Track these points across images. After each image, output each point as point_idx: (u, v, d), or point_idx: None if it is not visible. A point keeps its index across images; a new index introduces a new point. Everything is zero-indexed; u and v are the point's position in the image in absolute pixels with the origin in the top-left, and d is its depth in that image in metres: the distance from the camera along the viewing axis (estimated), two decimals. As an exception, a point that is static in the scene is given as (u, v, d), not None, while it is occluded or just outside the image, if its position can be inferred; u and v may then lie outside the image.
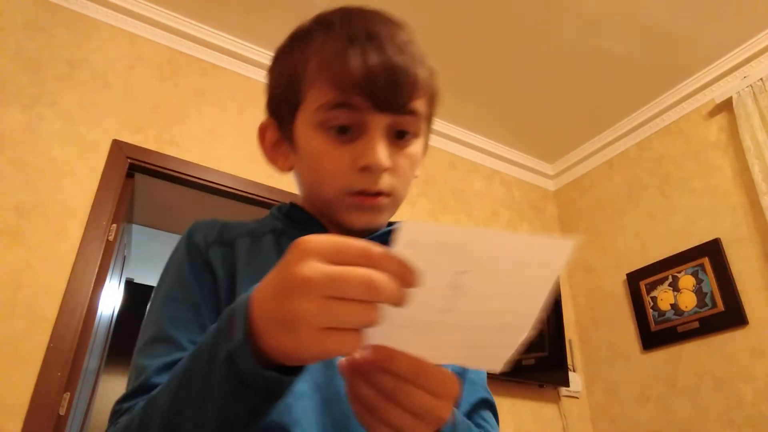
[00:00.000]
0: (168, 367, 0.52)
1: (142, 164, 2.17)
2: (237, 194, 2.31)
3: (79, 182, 2.02)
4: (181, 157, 2.25)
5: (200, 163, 2.27)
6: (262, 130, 0.67)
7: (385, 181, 0.60)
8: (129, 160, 2.14)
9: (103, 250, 1.99)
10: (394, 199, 0.63)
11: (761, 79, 2.41)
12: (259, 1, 2.34)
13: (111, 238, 2.05)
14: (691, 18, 2.37)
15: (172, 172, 2.21)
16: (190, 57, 2.47)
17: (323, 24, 0.61)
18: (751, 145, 2.36)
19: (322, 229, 0.64)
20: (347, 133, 0.58)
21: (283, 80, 0.62)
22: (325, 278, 0.33)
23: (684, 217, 2.66)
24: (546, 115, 2.98)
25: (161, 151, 2.22)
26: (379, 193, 0.60)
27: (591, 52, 2.56)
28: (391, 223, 0.68)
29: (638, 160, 2.97)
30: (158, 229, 3.55)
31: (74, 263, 1.90)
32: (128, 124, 2.21)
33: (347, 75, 0.55)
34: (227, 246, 0.62)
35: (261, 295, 0.38)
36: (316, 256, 0.35)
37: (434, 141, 3.04)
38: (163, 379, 0.49)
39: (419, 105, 0.61)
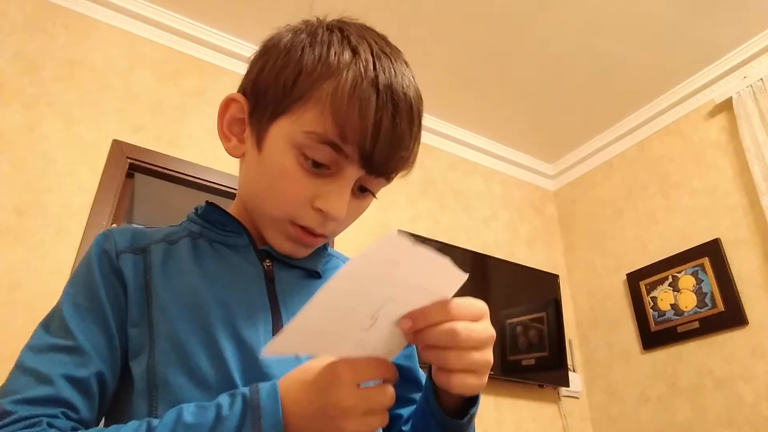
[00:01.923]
0: (77, 382, 0.51)
1: (142, 164, 2.17)
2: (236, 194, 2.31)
3: (79, 182, 2.02)
4: (181, 157, 2.25)
5: (200, 163, 2.27)
6: (226, 102, 0.64)
7: (331, 227, 0.60)
8: (129, 160, 2.14)
9: (103, 250, 1.98)
10: (328, 239, 0.63)
11: (761, 79, 2.41)
12: (260, 2, 2.34)
13: (111, 238, 2.05)
14: (691, 18, 2.37)
15: (172, 172, 2.21)
16: (190, 57, 2.47)
17: (348, 44, 0.57)
18: (751, 145, 2.36)
19: (239, 229, 0.64)
20: (321, 168, 0.56)
21: (283, 76, 0.57)
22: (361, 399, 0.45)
23: (684, 217, 2.66)
24: (546, 115, 2.98)
25: (161, 151, 2.22)
26: (321, 235, 0.60)
27: (591, 52, 2.56)
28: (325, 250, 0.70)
29: (638, 160, 2.97)
30: (158, 229, 3.54)
31: (74, 263, 1.90)
32: (128, 124, 2.21)
33: (356, 124, 0.53)
34: (140, 252, 0.61)
35: (296, 395, 0.46)
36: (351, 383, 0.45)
37: (434, 141, 3.04)
38: (74, 395, 0.50)
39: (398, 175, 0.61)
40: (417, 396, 0.66)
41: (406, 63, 0.61)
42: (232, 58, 2.54)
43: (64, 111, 2.10)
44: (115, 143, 2.14)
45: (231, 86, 2.47)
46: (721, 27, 2.43)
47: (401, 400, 0.64)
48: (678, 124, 2.82)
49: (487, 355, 0.47)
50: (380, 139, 0.54)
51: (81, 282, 0.59)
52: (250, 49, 2.95)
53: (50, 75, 2.12)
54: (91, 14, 2.29)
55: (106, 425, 0.52)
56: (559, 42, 2.51)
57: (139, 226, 0.65)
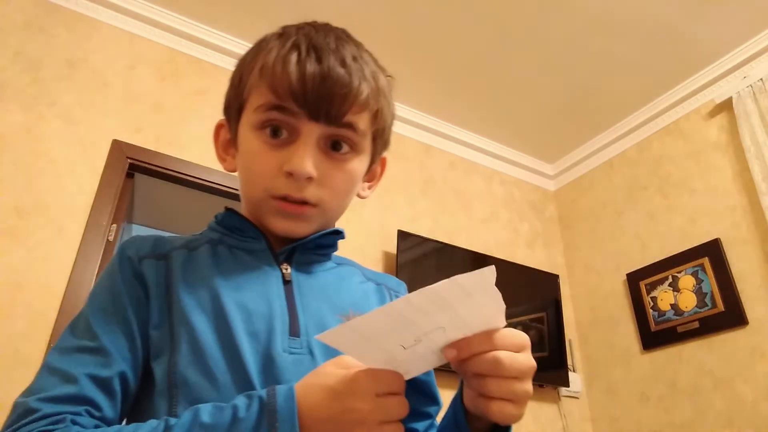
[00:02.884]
0: (101, 381, 0.53)
1: (142, 164, 2.17)
2: (237, 194, 2.31)
3: (79, 182, 2.02)
4: (181, 157, 2.25)
5: (200, 163, 2.27)
6: (217, 129, 0.72)
7: (311, 191, 0.61)
8: (129, 160, 2.14)
9: (103, 250, 1.99)
10: (321, 210, 0.63)
11: (761, 79, 2.41)
12: (260, 2, 2.34)
13: (111, 238, 2.05)
14: (691, 18, 2.37)
15: (172, 172, 2.21)
16: (190, 57, 2.47)
17: (280, 33, 0.64)
18: (751, 145, 2.36)
19: (257, 234, 0.65)
20: (280, 137, 0.60)
21: (234, 82, 0.66)
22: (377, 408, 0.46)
23: (684, 217, 2.66)
24: (546, 115, 2.98)
25: (161, 151, 2.22)
26: (304, 202, 0.61)
27: (591, 52, 2.56)
28: (337, 231, 0.69)
29: (638, 160, 2.97)
30: (158, 229, 3.54)
31: (74, 263, 1.90)
32: (128, 124, 2.21)
33: (284, 80, 0.58)
34: (161, 258, 0.62)
35: (313, 400, 0.47)
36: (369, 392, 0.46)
37: (434, 141, 3.04)
38: (97, 393, 0.52)
39: (358, 120, 0.61)
40: (431, 410, 0.69)
41: (354, 42, 0.65)
42: (232, 58, 2.53)
43: (64, 111, 2.10)
44: (115, 143, 2.14)
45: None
46: (721, 27, 2.43)
47: (417, 414, 0.66)
48: (678, 124, 2.82)
49: (527, 386, 0.49)
50: (311, 83, 0.57)
51: (105, 287, 0.60)
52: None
53: (50, 75, 2.12)
54: (91, 14, 2.29)
55: (128, 424, 0.53)
56: (559, 42, 2.51)
57: (161, 234, 0.67)
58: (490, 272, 0.43)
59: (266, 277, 0.63)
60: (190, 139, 2.30)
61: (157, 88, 2.33)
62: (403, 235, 2.53)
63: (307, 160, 0.58)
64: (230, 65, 2.58)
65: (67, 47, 2.20)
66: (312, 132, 0.59)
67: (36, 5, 2.19)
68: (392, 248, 2.53)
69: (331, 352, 0.57)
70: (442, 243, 2.67)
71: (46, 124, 2.04)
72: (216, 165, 2.29)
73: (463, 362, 0.47)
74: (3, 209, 1.87)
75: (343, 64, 0.59)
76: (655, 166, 2.87)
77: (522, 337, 0.49)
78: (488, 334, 0.47)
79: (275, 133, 0.60)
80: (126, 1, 2.33)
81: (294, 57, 0.58)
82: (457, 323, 0.46)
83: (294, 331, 0.59)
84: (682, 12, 2.34)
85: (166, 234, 0.68)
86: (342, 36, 0.64)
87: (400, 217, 2.73)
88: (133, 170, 2.18)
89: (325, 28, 0.64)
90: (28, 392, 0.52)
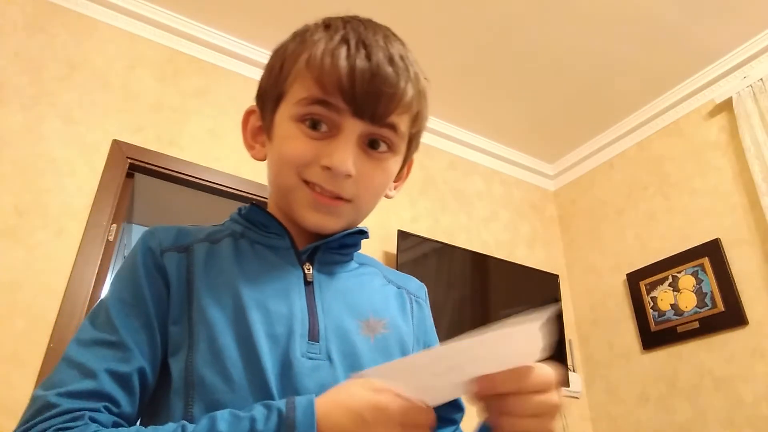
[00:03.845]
0: (119, 377, 0.53)
1: (142, 164, 2.17)
2: (237, 194, 2.31)
3: (79, 182, 2.02)
4: (181, 157, 2.25)
5: (200, 163, 2.27)
6: (247, 115, 0.70)
7: (347, 187, 0.60)
8: (129, 160, 2.14)
9: (103, 250, 1.99)
10: (355, 206, 0.62)
11: (761, 79, 2.41)
12: (260, 1, 2.34)
13: (111, 238, 2.05)
14: (691, 18, 2.37)
15: (172, 172, 2.21)
16: (190, 57, 2.47)
17: (324, 24, 0.62)
18: (751, 145, 2.36)
19: (281, 230, 0.64)
20: (321, 130, 0.59)
21: (274, 71, 0.63)
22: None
23: (684, 217, 2.66)
24: (546, 115, 2.98)
25: (161, 151, 2.22)
26: (338, 197, 0.60)
27: (591, 52, 2.56)
28: (362, 231, 0.68)
29: (638, 160, 2.97)
30: (158, 229, 3.54)
31: (74, 263, 1.90)
32: (128, 124, 2.21)
33: (331, 74, 0.56)
34: (183, 251, 0.62)
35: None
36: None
37: (434, 141, 3.04)
38: (116, 389, 0.52)
39: (400, 121, 0.61)
40: (456, 416, 0.69)
41: (400, 41, 0.63)
42: (233, 58, 2.54)
43: (64, 111, 2.10)
44: (115, 143, 2.14)
45: (231, 86, 2.50)
46: (721, 27, 2.42)
47: (443, 421, 0.66)
48: (678, 124, 2.82)
49: (548, 424, 0.48)
50: (357, 79, 0.56)
51: (126, 278, 0.60)
52: (250, 49, 2.95)
53: (50, 75, 2.12)
54: (91, 14, 2.29)
55: (144, 422, 0.54)
56: (559, 42, 2.51)
57: (183, 225, 0.66)
58: (540, 322, 0.42)
59: (288, 276, 0.62)
60: (190, 139, 2.30)
61: (157, 88, 2.33)
62: (403, 235, 2.53)
63: (348, 157, 0.58)
64: (230, 65, 2.57)
65: (67, 47, 2.20)
66: (354, 129, 0.58)
67: (36, 5, 2.19)
68: (392, 248, 2.53)
69: (350, 360, 0.58)
70: (442, 243, 2.67)
71: (46, 124, 2.04)
72: (216, 165, 2.30)
73: (485, 397, 0.47)
74: (3, 209, 1.87)
75: (392, 62, 0.58)
76: (655, 166, 2.87)
77: (548, 377, 0.48)
78: (515, 373, 0.46)
79: (315, 126, 0.59)
80: (126, 1, 2.33)
81: (344, 51, 0.57)
82: (493, 361, 0.45)
83: (313, 335, 0.58)
84: (682, 12, 2.34)
85: (189, 226, 0.67)
86: (389, 33, 0.62)
87: (400, 217, 2.73)
88: (133, 170, 2.18)
89: (373, 25, 0.62)
90: (48, 385, 0.52)
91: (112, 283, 0.61)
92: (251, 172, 2.35)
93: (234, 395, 0.52)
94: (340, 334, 0.60)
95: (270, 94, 0.64)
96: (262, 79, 0.66)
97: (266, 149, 0.66)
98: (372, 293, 0.68)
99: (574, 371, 2.86)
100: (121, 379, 0.53)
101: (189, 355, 0.55)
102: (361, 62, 0.56)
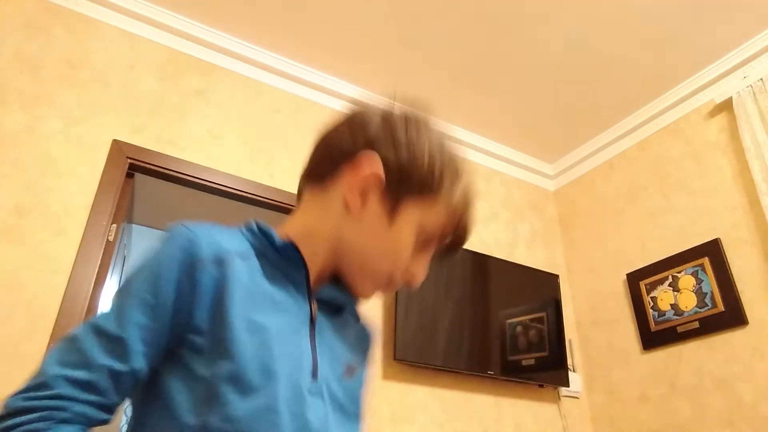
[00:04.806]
0: (115, 374, 0.55)
1: (142, 164, 2.17)
2: (237, 194, 2.31)
3: (79, 182, 2.02)
4: (181, 157, 2.25)
5: (200, 163, 2.27)
6: (367, 162, 0.67)
7: None
8: (129, 160, 2.14)
9: (103, 250, 1.99)
10: None
11: (761, 79, 2.41)
12: (260, 2, 2.34)
13: (111, 238, 2.05)
14: (691, 18, 2.37)
15: (172, 172, 2.21)
16: (190, 57, 2.47)
17: (460, 165, 0.74)
18: (751, 145, 2.36)
19: (300, 264, 0.67)
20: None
21: (428, 168, 0.68)
22: None
23: (684, 217, 2.66)
24: (546, 115, 2.98)
25: (161, 151, 2.22)
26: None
27: (591, 52, 2.56)
28: None
29: (638, 160, 2.97)
30: (158, 229, 3.55)
31: (74, 263, 1.90)
32: (128, 124, 2.21)
33: (458, 232, 0.72)
34: (218, 264, 0.61)
35: None
36: None
37: (434, 141, 3.04)
38: (109, 384, 0.55)
39: None
40: None
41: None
42: (233, 58, 2.54)
43: (64, 111, 2.10)
44: (115, 143, 2.14)
45: (231, 86, 2.49)
46: (721, 27, 2.43)
47: None
48: (678, 124, 2.82)
49: None
50: (464, 240, 0.74)
51: (153, 278, 0.59)
52: (250, 49, 2.94)
53: (50, 75, 2.12)
54: (91, 14, 2.30)
55: (141, 398, 0.59)
56: (559, 42, 2.51)
57: (214, 228, 0.64)
58: None
59: (300, 311, 0.66)
60: (190, 139, 2.30)
61: (157, 88, 2.33)
62: (403, 235, 2.52)
63: (425, 272, 0.72)
64: (230, 65, 2.57)
65: (67, 47, 2.20)
66: (434, 253, 0.73)
67: (36, 5, 2.19)
68: (392, 248, 2.53)
69: (337, 402, 0.64)
70: (442, 243, 2.67)
71: (46, 124, 2.05)
72: (216, 165, 2.30)
73: None
74: (3, 209, 1.87)
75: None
76: (655, 166, 2.87)
77: None
78: None
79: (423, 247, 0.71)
80: (126, 1, 2.33)
81: (468, 216, 0.72)
82: None
83: (315, 372, 0.63)
84: (682, 12, 2.34)
85: (222, 236, 0.65)
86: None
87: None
88: (133, 170, 2.19)
89: (473, 182, 0.76)
90: (53, 361, 0.55)
91: (137, 277, 0.59)
92: (251, 172, 2.35)
93: (246, 413, 0.56)
94: (330, 376, 0.66)
95: (413, 182, 0.68)
96: (410, 160, 0.68)
97: (367, 212, 0.68)
98: (349, 335, 0.75)
99: (574, 371, 2.86)
100: (115, 377, 0.56)
101: (212, 367, 0.57)
102: (469, 227, 0.73)
